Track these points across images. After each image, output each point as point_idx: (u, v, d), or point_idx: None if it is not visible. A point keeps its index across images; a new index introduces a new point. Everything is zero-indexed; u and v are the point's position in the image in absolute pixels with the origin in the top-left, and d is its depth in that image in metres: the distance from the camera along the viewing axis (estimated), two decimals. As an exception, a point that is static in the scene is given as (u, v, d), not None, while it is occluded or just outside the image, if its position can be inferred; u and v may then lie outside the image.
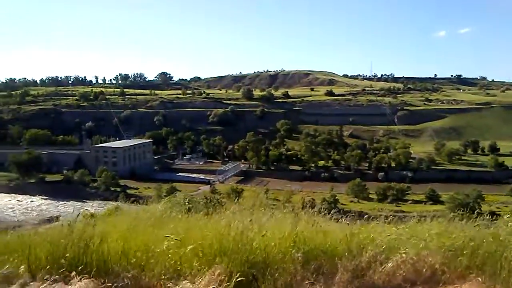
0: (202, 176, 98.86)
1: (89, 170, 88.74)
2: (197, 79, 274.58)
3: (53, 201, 75.56)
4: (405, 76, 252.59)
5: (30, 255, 4.25)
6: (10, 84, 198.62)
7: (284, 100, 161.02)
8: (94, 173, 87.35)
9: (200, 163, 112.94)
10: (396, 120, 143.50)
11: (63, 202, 74.04)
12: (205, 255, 4.00)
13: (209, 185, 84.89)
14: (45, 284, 3.71)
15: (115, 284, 3.70)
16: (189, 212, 7.16)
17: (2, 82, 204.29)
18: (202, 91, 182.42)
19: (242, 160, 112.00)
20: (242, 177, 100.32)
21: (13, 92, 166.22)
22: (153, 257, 4.13)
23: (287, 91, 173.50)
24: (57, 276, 3.77)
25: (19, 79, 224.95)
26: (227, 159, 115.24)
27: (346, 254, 4.12)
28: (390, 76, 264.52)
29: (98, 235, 4.60)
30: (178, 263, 3.99)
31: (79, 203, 71.78)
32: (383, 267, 3.97)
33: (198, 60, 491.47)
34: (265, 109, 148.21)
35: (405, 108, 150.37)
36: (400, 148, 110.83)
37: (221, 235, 4.27)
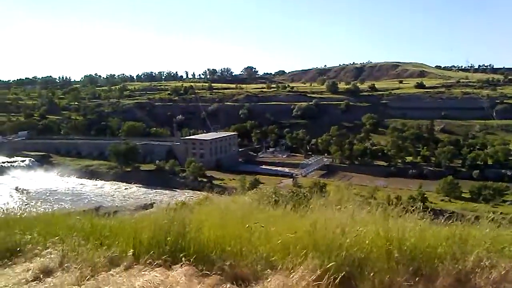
0: (285, 169, 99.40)
1: (178, 160, 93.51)
2: (281, 72, 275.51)
3: (146, 189, 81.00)
4: (505, 67, 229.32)
5: (135, 240, 4.56)
6: (110, 80, 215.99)
7: (370, 93, 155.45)
8: (183, 163, 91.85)
9: (283, 156, 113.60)
10: (494, 114, 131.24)
11: (155, 190, 79.06)
12: (297, 249, 4.00)
13: (291, 178, 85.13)
14: (148, 268, 3.94)
15: (212, 273, 3.84)
16: (276, 205, 7.22)
17: (103, 78, 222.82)
18: (286, 85, 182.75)
19: (325, 154, 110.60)
20: (325, 172, 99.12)
21: (112, 87, 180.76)
22: (246, 247, 4.22)
23: (374, 84, 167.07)
24: (159, 261, 3.99)
25: (118, 75, 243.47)
26: (310, 153, 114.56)
27: (448, 257, 3.85)
28: (488, 67, 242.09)
29: (194, 223, 4.81)
30: (271, 254, 4.03)
31: (169, 191, 76.25)
32: (490, 273, 3.65)
33: (283, 54, 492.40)
34: (350, 103, 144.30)
35: (505, 101, 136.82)
36: (498, 145, 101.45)
37: (312, 229, 4.23)
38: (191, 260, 4.04)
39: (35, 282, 3.58)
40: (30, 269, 3.81)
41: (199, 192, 70.71)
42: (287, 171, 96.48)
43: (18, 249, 4.49)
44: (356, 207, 5.54)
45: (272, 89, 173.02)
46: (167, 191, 75.76)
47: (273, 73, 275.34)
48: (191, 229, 4.59)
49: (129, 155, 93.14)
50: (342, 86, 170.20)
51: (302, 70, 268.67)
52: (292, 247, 3.99)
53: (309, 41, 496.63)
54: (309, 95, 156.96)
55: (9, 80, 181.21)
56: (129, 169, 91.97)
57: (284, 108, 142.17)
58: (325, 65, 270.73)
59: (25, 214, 7.02)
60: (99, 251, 4.27)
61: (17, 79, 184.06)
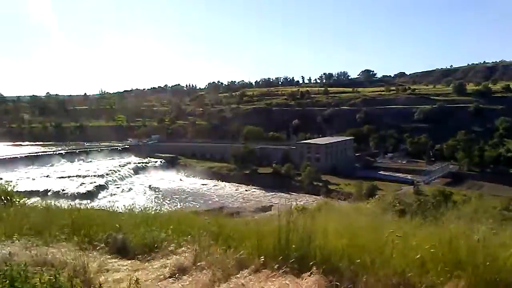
0: (406, 176, 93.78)
1: (294, 164, 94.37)
2: (401, 74, 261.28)
3: (264, 191, 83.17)
4: None
5: (260, 243, 4.55)
6: (231, 86, 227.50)
7: (504, 95, 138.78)
8: (298, 167, 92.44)
9: (403, 162, 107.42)
10: None
11: (272, 193, 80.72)
12: (437, 266, 3.60)
13: (412, 186, 79.89)
14: (275, 273, 3.89)
15: (343, 285, 3.64)
16: (402, 214, 6.74)
17: (224, 84, 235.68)
18: (406, 87, 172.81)
19: (451, 161, 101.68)
20: (450, 180, 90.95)
21: (233, 93, 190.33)
22: (378, 260, 3.94)
23: (509, 85, 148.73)
24: (287, 268, 3.90)
25: (238, 82, 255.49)
26: (433, 159, 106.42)
27: None
28: None
29: (318, 230, 4.65)
30: (407, 270, 3.69)
31: (286, 194, 77.28)
32: None
33: (403, 55, 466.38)
34: (480, 105, 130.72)
35: None
36: None
37: (454, 244, 3.78)
38: (321, 269, 3.87)
39: (172, 278, 3.78)
40: (167, 266, 4.05)
41: (315, 196, 70.45)
42: (408, 177, 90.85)
43: (155, 245, 4.83)
44: (495, 221, 4.86)
45: (392, 92, 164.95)
46: (284, 194, 76.90)
47: (392, 75, 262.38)
48: (316, 236, 4.45)
49: (248, 158, 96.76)
50: (470, 87, 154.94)
51: (425, 71, 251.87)
52: (431, 264, 3.60)
53: (431, 40, 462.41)
54: (432, 97, 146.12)
55: (144, 89, 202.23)
56: (247, 172, 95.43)
57: (404, 112, 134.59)
58: (451, 65, 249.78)
59: (160, 212, 7.59)
60: (228, 252, 4.37)
61: (151, 88, 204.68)
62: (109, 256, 4.62)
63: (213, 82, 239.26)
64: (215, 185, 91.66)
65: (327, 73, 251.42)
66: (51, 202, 10.55)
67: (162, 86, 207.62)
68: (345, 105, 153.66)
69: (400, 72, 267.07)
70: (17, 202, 10.00)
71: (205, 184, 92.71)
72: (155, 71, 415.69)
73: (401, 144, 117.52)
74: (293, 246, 4.28)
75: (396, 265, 3.76)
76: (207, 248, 4.34)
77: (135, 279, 3.34)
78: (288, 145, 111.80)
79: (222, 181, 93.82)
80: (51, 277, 3.08)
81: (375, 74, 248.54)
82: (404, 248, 3.81)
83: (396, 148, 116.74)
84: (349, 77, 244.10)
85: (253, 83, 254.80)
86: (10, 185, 11.23)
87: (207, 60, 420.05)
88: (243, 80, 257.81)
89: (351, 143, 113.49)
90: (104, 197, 74.25)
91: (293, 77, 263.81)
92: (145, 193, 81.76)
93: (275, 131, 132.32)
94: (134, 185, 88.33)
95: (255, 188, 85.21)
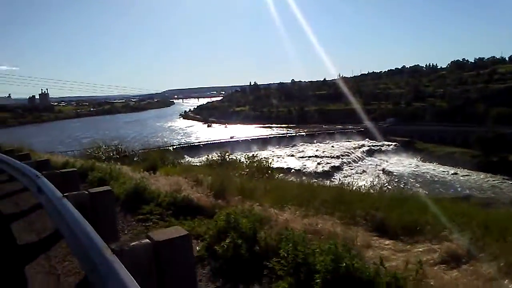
0: None
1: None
2: None
3: (514, 182, 71.02)
4: None
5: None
6: (479, 64, 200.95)
7: None
8: None
9: None
10: None
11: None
12: None
13: None
14: None
15: None
16: None
17: (471, 62, 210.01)
18: None
19: None
20: None
21: (481, 71, 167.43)
22: None
23: None
24: None
25: (487, 58, 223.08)
26: None
27: None
28: None
29: None
30: None
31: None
32: None
33: None
34: None
35: None
36: None
37: None
38: None
39: (444, 265, 3.56)
40: (436, 251, 3.83)
41: None
42: None
43: (417, 228, 4.65)
44: None
45: None
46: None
47: None
48: None
49: (496, 144, 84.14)
50: None
51: None
52: None
53: None
54: None
55: (380, 71, 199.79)
56: (495, 159, 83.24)
57: None
58: None
59: (411, 195, 7.31)
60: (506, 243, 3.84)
61: (388, 70, 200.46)
62: (370, 234, 4.70)
63: (457, 60, 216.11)
64: (455, 173, 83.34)
65: None
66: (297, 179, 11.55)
67: (400, 67, 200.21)
68: None
69: None
70: (276, 176, 11.43)
71: (445, 171, 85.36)
72: (391, 53, 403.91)
73: None
74: None
75: None
76: (480, 238, 3.91)
77: (418, 260, 3.27)
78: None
79: (464, 169, 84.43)
80: (331, 245, 3.32)
81: None
82: None
83: None
84: None
85: (507, 59, 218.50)
86: (268, 162, 12.92)
87: (449, 37, 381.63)
88: (493, 56, 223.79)
89: None
90: (339, 177, 77.14)
91: None
92: (378, 176, 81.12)
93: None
94: (368, 168, 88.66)
95: (504, 178, 73.39)
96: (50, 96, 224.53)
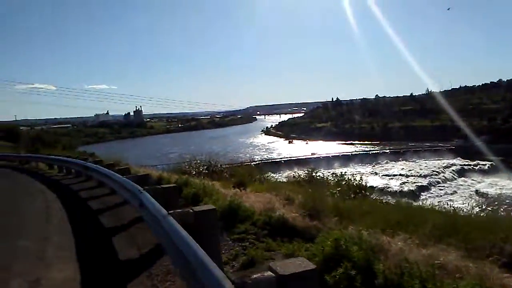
0: None
1: None
2: None
3: None
4: None
5: None
6: None
7: None
8: None
9: None
10: None
11: None
12: None
13: None
14: None
15: None
16: None
17: None
18: None
19: None
20: None
21: None
22: None
23: None
24: None
25: None
26: None
27: None
28: None
29: None
30: None
31: None
32: None
33: None
34: None
35: None
36: None
37: None
38: None
39: None
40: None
41: None
42: None
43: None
44: None
45: None
46: None
47: None
48: None
49: None
50: None
51: None
52: None
53: None
54: None
55: (474, 85, 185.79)
56: None
57: None
58: None
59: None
60: None
61: (482, 84, 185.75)
62: (501, 270, 4.04)
63: None
64: None
65: None
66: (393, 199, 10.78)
67: (496, 81, 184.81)
68: None
69: None
70: (369, 196, 10.78)
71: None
72: (486, 66, 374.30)
73: None
74: None
75: None
76: None
77: None
78: None
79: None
80: (475, 285, 2.82)
81: None
82: None
83: None
84: None
85: None
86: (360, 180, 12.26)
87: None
88: None
89: None
90: (427, 198, 72.42)
91: None
92: (471, 197, 74.77)
93: None
94: (459, 189, 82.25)
95: None
96: (143, 113, 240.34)
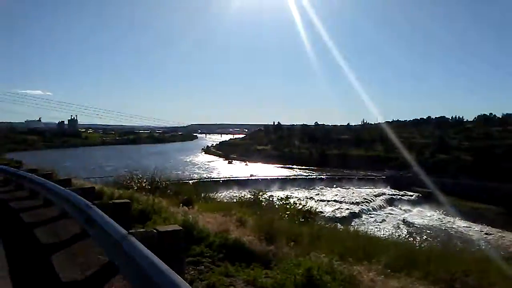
0: None
1: None
2: None
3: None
4: None
5: None
6: (506, 119, 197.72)
7: None
8: None
9: None
10: None
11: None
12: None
13: None
14: None
15: None
16: None
17: (498, 117, 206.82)
18: None
19: None
20: None
21: (508, 127, 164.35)
22: None
23: None
24: None
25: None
26: None
27: None
28: None
29: None
30: None
31: None
32: None
33: None
34: None
35: None
36: None
37: None
38: None
39: None
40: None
41: None
42: None
43: None
44: None
45: None
46: None
47: None
48: None
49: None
50: None
51: None
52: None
53: None
54: None
55: (405, 120, 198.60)
56: (523, 219, 79.70)
57: None
58: None
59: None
60: None
61: (413, 119, 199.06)
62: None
63: (483, 115, 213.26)
64: (480, 230, 79.81)
65: None
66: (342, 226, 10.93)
67: (425, 118, 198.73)
68: None
69: None
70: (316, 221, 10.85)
71: (468, 227, 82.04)
72: (416, 104, 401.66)
73: None
74: None
75: None
76: None
77: None
78: None
79: (488, 225, 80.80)
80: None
81: None
82: None
83: None
84: None
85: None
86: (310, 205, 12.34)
87: (470, 92, 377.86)
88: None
89: None
90: (357, 224, 74.82)
91: None
92: (398, 226, 78.53)
93: None
94: (388, 217, 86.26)
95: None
96: (78, 122, 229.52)
